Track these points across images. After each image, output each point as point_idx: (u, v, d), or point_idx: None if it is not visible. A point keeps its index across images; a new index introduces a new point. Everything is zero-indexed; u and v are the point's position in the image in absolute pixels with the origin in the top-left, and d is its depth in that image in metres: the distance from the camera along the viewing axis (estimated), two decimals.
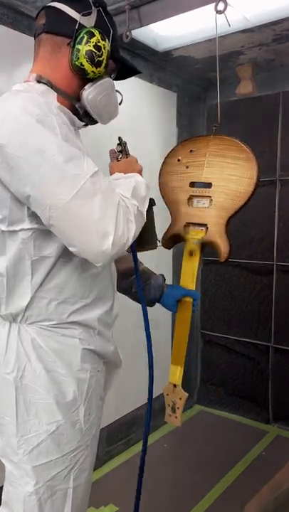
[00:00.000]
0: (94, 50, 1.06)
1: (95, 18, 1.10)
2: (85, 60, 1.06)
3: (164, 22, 1.96)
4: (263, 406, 2.92)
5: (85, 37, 1.06)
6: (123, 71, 1.22)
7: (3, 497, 1.11)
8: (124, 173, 1.15)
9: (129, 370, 2.46)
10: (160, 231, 1.41)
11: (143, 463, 1.39)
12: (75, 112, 1.12)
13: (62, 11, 1.08)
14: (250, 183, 1.39)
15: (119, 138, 1.26)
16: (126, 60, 1.22)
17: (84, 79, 1.09)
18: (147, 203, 1.11)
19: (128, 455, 2.51)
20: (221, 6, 1.61)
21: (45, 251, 1.02)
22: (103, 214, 0.93)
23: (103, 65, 1.09)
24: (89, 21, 1.08)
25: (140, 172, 1.20)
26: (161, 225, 1.46)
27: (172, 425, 1.52)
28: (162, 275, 1.45)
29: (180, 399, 1.44)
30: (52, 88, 1.08)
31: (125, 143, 1.26)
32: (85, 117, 1.14)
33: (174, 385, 1.45)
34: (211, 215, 1.43)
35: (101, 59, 1.08)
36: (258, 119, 2.81)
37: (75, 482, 1.08)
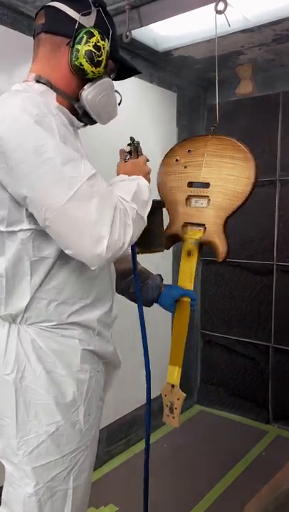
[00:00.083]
0: (93, 50, 1.06)
1: (95, 18, 1.09)
2: (84, 60, 1.06)
3: (164, 22, 1.96)
4: (263, 406, 2.92)
5: (85, 37, 1.05)
6: (122, 71, 1.22)
7: (2, 497, 1.11)
8: (130, 175, 1.15)
9: (129, 370, 2.46)
10: None
11: (147, 457, 1.38)
12: (74, 112, 1.12)
13: (62, 11, 1.08)
14: (248, 182, 1.39)
15: (131, 138, 1.26)
16: (125, 60, 1.22)
17: (83, 79, 1.09)
18: (149, 207, 1.11)
19: (128, 455, 2.51)
20: (221, 6, 1.61)
21: (44, 252, 1.01)
22: (99, 217, 0.93)
23: (102, 65, 1.09)
24: (88, 21, 1.08)
25: (147, 174, 1.20)
26: None
27: (171, 426, 1.51)
28: (160, 275, 1.45)
29: (178, 399, 1.44)
30: (51, 88, 1.07)
31: (138, 143, 1.26)
32: (84, 117, 1.14)
33: (172, 386, 1.45)
34: (209, 215, 1.43)
35: (100, 59, 1.07)
36: (258, 119, 2.81)
37: (74, 483, 1.08)
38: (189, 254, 1.47)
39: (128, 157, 1.24)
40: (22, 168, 0.91)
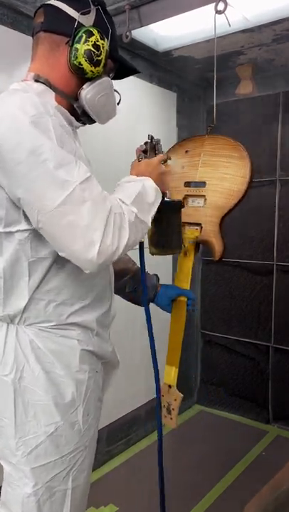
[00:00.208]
0: (92, 49, 1.05)
1: (94, 17, 1.09)
2: (83, 59, 1.05)
3: (164, 22, 1.96)
4: (263, 406, 2.92)
5: (84, 36, 1.05)
6: (122, 70, 1.22)
7: (1, 498, 1.10)
8: (141, 175, 1.13)
9: (128, 370, 2.47)
10: None
11: (161, 445, 1.37)
12: (73, 111, 1.11)
13: (61, 10, 1.07)
14: (244, 181, 1.40)
15: (150, 136, 1.24)
16: (125, 60, 1.21)
17: (82, 78, 1.09)
18: (154, 209, 1.09)
19: (128, 455, 2.51)
20: (221, 6, 1.61)
21: (42, 252, 1.01)
22: (91, 222, 0.92)
23: (102, 64, 1.08)
24: (88, 20, 1.08)
25: (161, 175, 1.17)
26: None
27: (169, 427, 1.51)
28: (156, 275, 1.45)
29: (175, 400, 1.44)
30: (50, 87, 1.07)
31: (157, 141, 1.24)
32: (83, 117, 1.13)
33: (169, 386, 1.45)
34: (205, 214, 1.44)
35: (100, 58, 1.07)
36: (258, 119, 2.81)
37: (73, 483, 1.08)
38: (186, 253, 1.48)
39: (142, 156, 1.22)
40: (18, 170, 0.91)
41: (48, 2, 1.10)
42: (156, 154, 1.22)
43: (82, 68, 1.06)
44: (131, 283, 1.41)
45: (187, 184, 1.48)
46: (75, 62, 1.06)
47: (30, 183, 0.91)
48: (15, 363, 1.04)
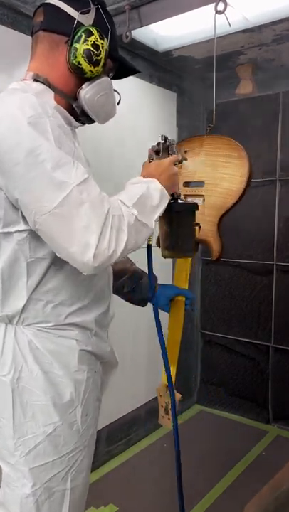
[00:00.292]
0: (92, 49, 1.05)
1: (94, 17, 1.08)
2: (82, 59, 1.05)
3: (164, 22, 1.96)
4: (263, 406, 2.92)
5: (83, 35, 1.05)
6: (122, 70, 1.21)
7: (0, 498, 1.10)
8: (147, 177, 1.11)
9: (129, 370, 2.47)
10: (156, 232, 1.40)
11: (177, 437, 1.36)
12: (72, 111, 1.11)
13: (61, 9, 1.07)
14: (242, 181, 1.40)
15: (164, 136, 1.23)
16: (124, 59, 1.21)
17: (81, 78, 1.08)
18: (159, 212, 1.07)
19: (128, 455, 2.51)
20: (220, 6, 1.61)
21: (41, 253, 1.01)
22: (87, 224, 0.91)
23: (101, 64, 1.08)
24: (87, 19, 1.07)
25: (172, 176, 1.15)
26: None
27: (167, 428, 1.50)
28: (154, 275, 1.45)
29: None
30: (49, 87, 1.07)
31: (170, 143, 1.22)
32: (82, 116, 1.13)
33: (167, 386, 1.45)
34: (203, 214, 1.44)
35: (99, 58, 1.07)
36: (258, 119, 2.81)
37: (72, 483, 1.07)
38: None
39: (153, 157, 1.20)
40: (15, 170, 0.91)
41: (48, 1, 1.10)
42: (169, 155, 1.20)
43: (82, 68, 1.06)
44: (129, 283, 1.41)
45: (186, 184, 1.48)
46: (74, 61, 1.06)
47: (27, 184, 0.91)
48: (13, 363, 1.04)
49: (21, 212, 0.97)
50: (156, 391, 1.47)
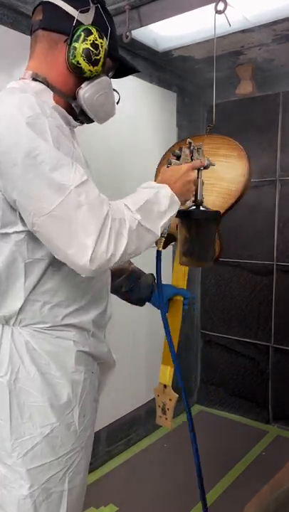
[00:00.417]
0: (91, 48, 1.04)
1: (93, 15, 1.08)
2: (81, 58, 1.04)
3: (164, 22, 1.96)
4: (263, 406, 2.92)
5: (82, 34, 1.04)
6: (121, 69, 1.21)
7: None
8: (161, 182, 1.09)
9: (129, 370, 2.47)
10: None
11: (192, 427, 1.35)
12: (71, 110, 1.10)
13: (60, 7, 1.06)
14: (242, 180, 1.40)
15: (188, 141, 1.21)
16: (124, 59, 1.20)
17: (80, 77, 1.08)
18: (166, 218, 1.05)
19: (128, 455, 2.51)
20: (220, 6, 1.61)
21: (39, 254, 1.00)
22: (85, 227, 0.90)
23: (100, 63, 1.07)
24: (87, 18, 1.06)
25: (188, 183, 1.12)
26: None
27: (166, 428, 1.50)
28: (152, 274, 1.44)
29: (170, 400, 1.43)
30: (48, 86, 1.06)
31: (194, 148, 1.19)
32: (81, 116, 1.12)
33: (164, 386, 1.44)
34: None
35: (98, 57, 1.06)
36: (258, 119, 2.81)
37: (70, 484, 1.07)
38: None
39: (171, 162, 1.17)
40: (13, 171, 0.90)
41: None
42: (192, 160, 1.18)
43: (81, 67, 1.05)
44: (127, 282, 1.41)
45: None
46: (73, 61, 1.05)
47: (25, 186, 0.90)
48: (10, 364, 1.03)
49: (19, 214, 0.96)
50: (153, 391, 1.47)
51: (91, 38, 1.04)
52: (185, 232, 1.25)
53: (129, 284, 1.41)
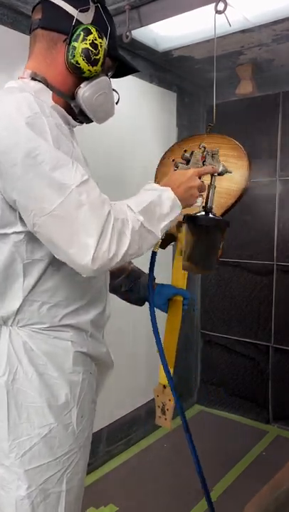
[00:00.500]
0: (90, 48, 1.04)
1: (93, 15, 1.07)
2: (81, 58, 1.04)
3: (164, 22, 1.96)
4: (263, 406, 2.92)
5: (82, 34, 1.03)
6: (121, 69, 1.20)
7: None
8: (165, 185, 1.09)
9: (128, 369, 2.47)
10: None
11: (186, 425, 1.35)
12: (70, 110, 1.10)
13: (60, 6, 1.06)
14: (242, 180, 1.39)
15: (202, 146, 1.19)
16: (124, 58, 1.19)
17: (80, 77, 1.07)
18: (168, 220, 1.04)
19: (128, 455, 2.51)
20: (220, 6, 1.61)
21: (38, 254, 1.00)
22: (86, 226, 0.89)
23: (100, 63, 1.06)
24: (86, 18, 1.06)
25: (192, 189, 1.11)
26: None
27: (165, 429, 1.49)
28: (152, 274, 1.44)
29: (170, 400, 1.42)
30: (47, 86, 1.05)
31: (208, 153, 1.18)
32: (80, 116, 1.12)
33: (164, 386, 1.44)
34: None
35: (97, 57, 1.05)
36: (258, 119, 2.81)
37: (68, 485, 1.06)
38: (182, 252, 1.47)
39: (178, 165, 1.16)
40: (13, 171, 0.89)
41: None
42: (204, 165, 1.17)
43: (80, 67, 1.05)
44: (127, 282, 1.41)
45: None
46: (72, 60, 1.05)
47: (25, 186, 0.90)
48: (8, 364, 1.03)
49: (18, 214, 0.95)
50: (153, 391, 1.47)
51: (90, 37, 1.04)
52: (191, 237, 1.24)
53: (129, 283, 1.41)
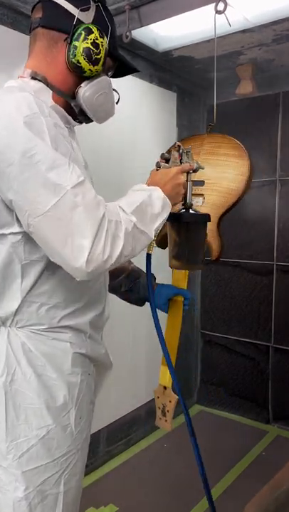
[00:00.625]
0: (91, 47, 1.03)
1: (94, 14, 1.07)
2: (82, 57, 1.03)
3: (164, 22, 1.96)
4: (263, 406, 2.92)
5: (83, 33, 1.03)
6: (121, 69, 1.20)
7: None
8: (152, 185, 1.09)
9: (128, 370, 2.47)
10: None
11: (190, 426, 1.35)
12: (70, 110, 1.09)
13: (60, 5, 1.05)
14: (242, 179, 1.39)
15: (177, 145, 1.20)
16: (124, 58, 1.19)
17: (80, 76, 1.07)
18: (160, 220, 1.04)
19: (128, 455, 2.51)
20: (220, 6, 1.61)
21: (36, 255, 0.99)
22: (81, 228, 0.88)
23: (101, 63, 1.06)
24: (87, 17, 1.06)
25: (177, 186, 1.12)
26: None
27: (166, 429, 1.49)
28: (152, 274, 1.44)
29: (170, 401, 1.41)
30: (47, 85, 1.05)
31: (183, 151, 1.19)
32: (81, 116, 1.12)
33: (164, 387, 1.43)
34: None
35: (99, 57, 1.05)
36: (258, 119, 2.81)
37: (65, 486, 1.06)
38: None
39: (160, 165, 1.17)
40: (9, 171, 0.89)
41: None
42: (181, 164, 1.18)
43: (81, 66, 1.05)
44: (126, 282, 1.41)
45: None
46: (73, 60, 1.04)
47: (21, 185, 0.89)
48: (6, 365, 1.02)
49: (16, 214, 0.95)
50: (153, 392, 1.46)
51: (92, 37, 1.04)
52: (174, 235, 1.25)
53: (129, 283, 1.41)
